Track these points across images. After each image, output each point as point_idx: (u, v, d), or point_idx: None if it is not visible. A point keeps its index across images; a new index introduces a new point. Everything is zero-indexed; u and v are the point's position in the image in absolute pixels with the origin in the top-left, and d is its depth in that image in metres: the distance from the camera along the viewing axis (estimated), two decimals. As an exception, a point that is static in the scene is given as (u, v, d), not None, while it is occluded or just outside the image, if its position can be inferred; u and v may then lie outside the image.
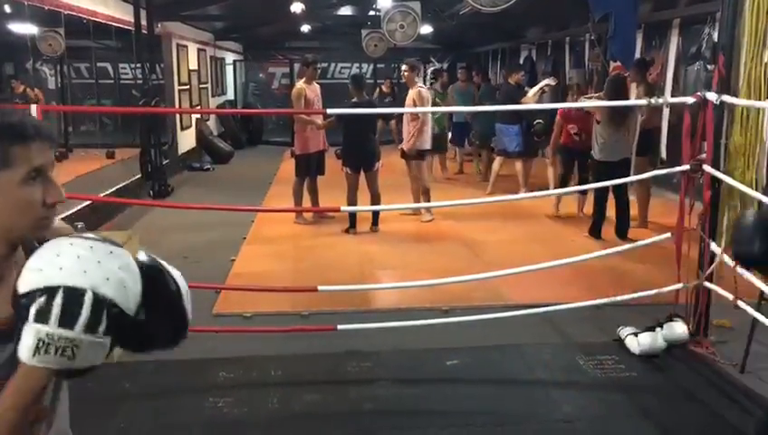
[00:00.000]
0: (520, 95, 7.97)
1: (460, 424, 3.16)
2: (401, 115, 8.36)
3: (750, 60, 3.57)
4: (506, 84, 9.12)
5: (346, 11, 13.25)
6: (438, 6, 10.78)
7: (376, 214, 6.89)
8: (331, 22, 14.73)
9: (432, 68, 18.09)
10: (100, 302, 0.94)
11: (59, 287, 0.93)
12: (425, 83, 9.35)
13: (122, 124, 11.38)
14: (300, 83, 7.16)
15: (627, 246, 4.82)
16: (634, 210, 6.51)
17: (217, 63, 14.67)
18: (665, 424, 3.19)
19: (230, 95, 16.61)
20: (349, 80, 7.51)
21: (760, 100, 3.53)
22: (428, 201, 7.12)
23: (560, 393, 3.50)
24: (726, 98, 3.57)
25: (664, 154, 8.58)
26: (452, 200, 7.25)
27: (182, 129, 11.29)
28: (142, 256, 1.08)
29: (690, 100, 3.76)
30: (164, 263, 1.12)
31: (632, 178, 5.85)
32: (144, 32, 8.66)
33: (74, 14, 7.44)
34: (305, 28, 14.36)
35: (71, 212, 5.61)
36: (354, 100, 6.95)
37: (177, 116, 10.81)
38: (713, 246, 3.77)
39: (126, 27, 8.71)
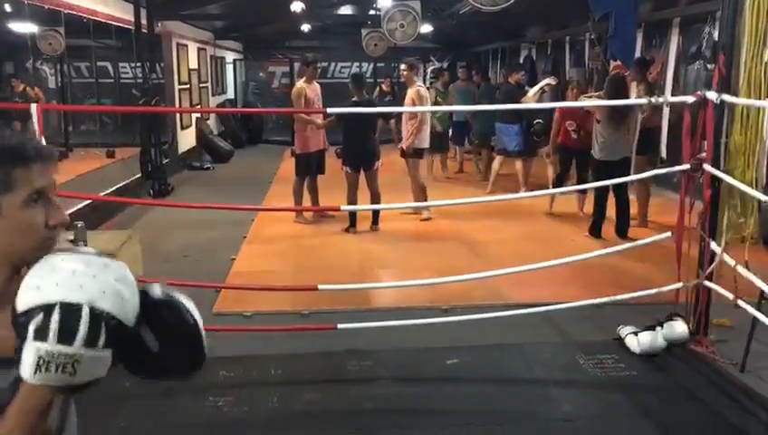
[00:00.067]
0: (520, 95, 7.97)
1: (460, 423, 3.16)
2: (401, 114, 8.36)
3: (750, 59, 3.57)
4: (506, 84, 9.13)
5: (346, 10, 13.25)
6: (438, 5, 10.78)
7: (376, 213, 6.90)
8: (332, 21, 14.73)
9: (432, 67, 18.12)
10: (97, 315, 0.94)
11: (55, 304, 0.93)
12: (424, 83, 9.36)
13: (122, 123, 11.38)
14: (300, 83, 7.16)
15: (627, 245, 4.82)
16: (634, 209, 6.51)
17: (217, 63, 14.67)
18: (665, 423, 3.19)
19: (230, 94, 16.61)
20: (349, 79, 7.51)
21: (760, 99, 3.53)
22: (425, 200, 7.14)
23: (560, 392, 3.50)
24: (726, 97, 3.57)
25: (664, 153, 8.57)
26: (452, 199, 7.26)
27: (182, 128, 11.29)
28: (157, 291, 1.08)
29: (690, 99, 3.75)
30: (179, 296, 1.12)
31: (632, 177, 5.85)
32: (144, 31, 8.66)
33: (74, 13, 7.44)
34: (305, 27, 14.36)
35: (71, 211, 5.61)
36: (354, 99, 6.95)
37: (178, 115, 10.81)
38: (713, 245, 3.77)
39: (126, 26, 8.71)
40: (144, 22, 8.61)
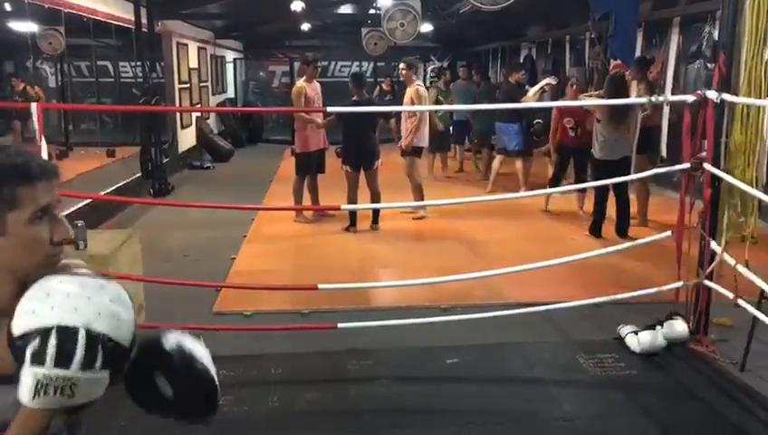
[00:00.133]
0: (520, 94, 7.97)
1: (460, 422, 3.16)
2: (401, 114, 8.36)
3: (750, 58, 3.57)
4: (506, 83, 9.12)
5: (346, 9, 13.25)
6: (439, 5, 10.77)
7: (376, 212, 6.90)
8: (332, 20, 14.73)
9: (432, 66, 18.11)
10: (93, 338, 0.95)
11: (52, 328, 0.93)
12: (425, 82, 9.37)
13: (122, 123, 11.38)
14: (300, 82, 7.16)
15: (627, 244, 4.82)
16: (634, 208, 6.51)
17: (218, 62, 14.66)
18: (665, 422, 3.19)
19: (230, 93, 16.60)
20: (349, 78, 7.51)
21: (760, 98, 3.53)
22: (421, 199, 7.15)
23: (560, 391, 3.50)
24: (727, 96, 3.57)
25: (664, 152, 8.57)
26: (452, 199, 7.25)
27: (182, 127, 11.28)
28: (171, 341, 1.11)
29: (690, 98, 3.75)
30: (191, 345, 1.14)
31: (632, 176, 5.85)
32: (144, 30, 8.66)
33: (74, 12, 7.43)
34: (305, 26, 14.35)
35: (71, 211, 5.61)
36: (354, 98, 6.95)
37: (178, 114, 10.80)
38: (713, 244, 3.77)
39: (126, 25, 8.70)
40: (144, 21, 8.61)
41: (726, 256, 3.65)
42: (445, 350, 3.90)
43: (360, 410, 3.33)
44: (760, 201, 3.63)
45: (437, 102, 9.40)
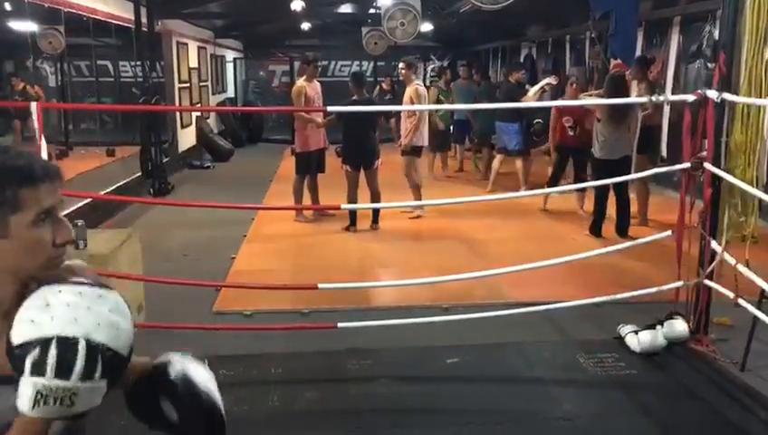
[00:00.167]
0: (520, 93, 7.97)
1: (460, 422, 3.16)
2: (400, 113, 8.36)
3: (751, 57, 3.57)
4: (507, 82, 9.12)
5: (346, 9, 13.25)
6: (439, 4, 10.77)
7: (376, 212, 6.89)
8: (332, 20, 14.72)
9: (432, 66, 18.09)
10: (93, 348, 0.95)
11: (52, 338, 0.94)
12: (425, 81, 9.36)
13: (122, 122, 11.37)
14: (300, 81, 7.16)
15: (627, 243, 4.82)
16: (634, 208, 6.51)
17: (218, 61, 14.65)
18: (665, 422, 3.19)
19: (230, 93, 16.59)
20: (349, 78, 7.51)
21: (761, 97, 3.53)
22: (419, 198, 7.16)
23: (560, 391, 3.50)
24: (727, 96, 3.56)
25: (664, 152, 8.57)
26: (452, 198, 7.25)
27: (182, 127, 11.28)
28: (177, 367, 1.14)
29: (691, 97, 3.75)
30: (197, 372, 1.17)
31: (633, 175, 5.85)
32: (144, 29, 8.65)
33: (74, 11, 7.43)
34: (305, 26, 14.35)
35: (71, 210, 5.61)
36: (354, 97, 6.94)
37: (178, 114, 10.80)
38: (713, 243, 3.77)
39: (126, 25, 8.70)
40: (144, 20, 8.61)
41: (727, 256, 3.64)
42: (445, 349, 3.90)
43: (360, 409, 3.33)
44: (760, 201, 3.63)
45: (438, 102, 9.40)
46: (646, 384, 3.56)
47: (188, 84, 11.44)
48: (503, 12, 7.05)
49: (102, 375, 0.96)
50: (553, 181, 7.33)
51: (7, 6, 7.92)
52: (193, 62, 11.91)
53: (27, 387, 0.94)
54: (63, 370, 0.93)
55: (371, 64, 17.45)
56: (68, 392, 0.94)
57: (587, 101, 6.93)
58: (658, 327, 3.83)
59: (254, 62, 19.19)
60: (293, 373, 3.66)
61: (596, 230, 6.31)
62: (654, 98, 4.31)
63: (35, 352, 0.93)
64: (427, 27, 11.49)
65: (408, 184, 7.36)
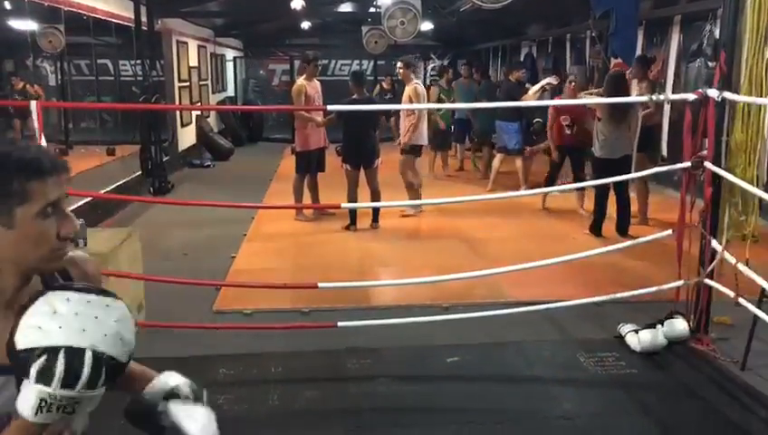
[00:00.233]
0: (520, 92, 7.97)
1: (460, 421, 3.16)
2: (400, 112, 8.36)
3: (751, 56, 3.56)
4: (507, 81, 9.12)
5: (346, 8, 13.24)
6: (439, 3, 10.76)
7: (376, 211, 6.89)
8: (332, 18, 14.71)
9: (432, 65, 18.07)
10: (98, 359, 0.97)
11: (60, 348, 0.95)
12: (425, 80, 9.35)
13: (122, 121, 11.37)
14: (300, 80, 7.16)
15: (627, 243, 4.82)
16: (634, 207, 6.50)
17: (218, 60, 14.65)
18: (665, 421, 3.19)
19: (230, 92, 16.58)
20: (349, 77, 7.50)
21: (761, 96, 3.52)
22: (413, 197, 7.17)
23: (560, 390, 3.50)
24: (728, 94, 3.56)
25: (665, 151, 8.57)
26: (452, 197, 7.26)
27: (182, 126, 11.27)
28: (170, 421, 1.16)
29: (691, 96, 3.75)
30: (187, 424, 1.18)
31: (633, 175, 5.85)
32: (144, 28, 8.65)
33: (74, 10, 7.43)
34: (306, 25, 14.34)
35: (71, 209, 5.59)
36: (354, 97, 6.94)
37: (178, 113, 10.80)
38: (714, 243, 3.76)
39: (126, 23, 8.70)
40: (144, 19, 8.60)
41: (727, 255, 3.64)
42: (445, 348, 3.90)
43: (361, 408, 3.33)
44: (761, 200, 3.62)
45: (440, 101, 9.39)
46: (646, 383, 3.56)
47: (188, 83, 11.44)
48: (503, 11, 7.04)
49: (103, 383, 0.98)
50: (550, 180, 7.33)
51: (7, 5, 7.91)
52: (193, 61, 11.90)
53: (32, 394, 0.95)
54: (70, 380, 0.94)
55: (371, 63, 17.43)
56: (71, 401, 0.96)
57: (587, 100, 6.92)
58: (659, 326, 3.83)
59: (254, 61, 19.18)
60: (293, 372, 3.66)
61: (596, 229, 6.31)
62: (654, 97, 4.31)
63: (42, 361, 0.94)
64: (427, 26, 11.48)
65: (405, 182, 7.36)
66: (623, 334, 3.93)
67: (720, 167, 3.68)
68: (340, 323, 3.83)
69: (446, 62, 16.62)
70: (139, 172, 8.71)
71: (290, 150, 8.86)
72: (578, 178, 7.06)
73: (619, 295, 4.04)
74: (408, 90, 7.30)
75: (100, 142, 9.57)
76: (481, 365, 3.80)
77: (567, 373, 3.66)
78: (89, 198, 6.00)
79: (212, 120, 13.28)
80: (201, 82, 12.55)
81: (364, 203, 6.92)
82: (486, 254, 5.88)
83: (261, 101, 17.93)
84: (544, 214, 7.42)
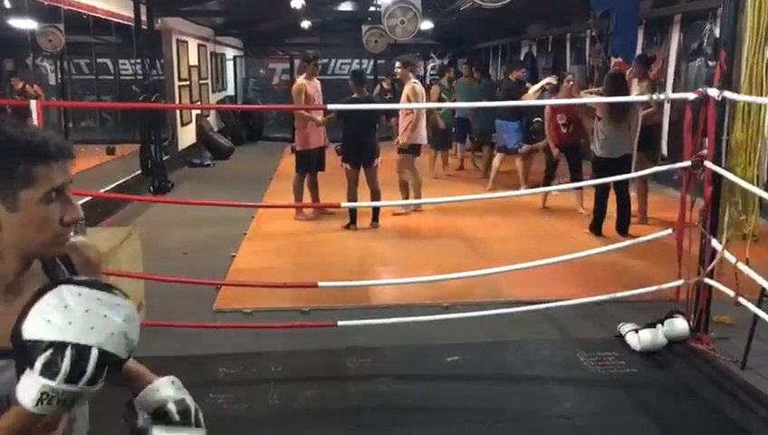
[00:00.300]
0: (520, 92, 7.96)
1: (460, 420, 3.16)
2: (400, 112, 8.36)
3: (752, 55, 3.56)
4: (507, 81, 9.11)
5: (346, 7, 13.22)
6: (439, 2, 10.75)
7: (376, 210, 6.89)
8: (332, 18, 14.70)
9: (432, 64, 18.06)
10: (103, 356, 0.97)
11: (67, 344, 0.95)
12: (425, 79, 9.34)
13: (122, 120, 11.36)
14: (300, 79, 7.16)
15: (627, 242, 4.81)
16: (634, 206, 6.50)
17: (218, 59, 14.64)
18: (665, 420, 3.19)
19: (230, 91, 16.58)
20: (349, 76, 7.50)
21: (761, 95, 3.52)
22: (406, 197, 7.17)
23: (560, 389, 3.50)
24: (728, 94, 3.56)
25: (665, 150, 8.57)
26: (453, 196, 7.26)
27: (182, 125, 11.27)
28: None
29: (692, 96, 3.75)
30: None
31: (633, 174, 5.84)
32: (144, 27, 8.65)
33: (74, 9, 7.43)
34: (305, 24, 14.33)
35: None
36: (354, 96, 6.94)
37: (178, 112, 10.79)
38: (714, 242, 3.76)
39: (126, 23, 8.69)
40: (144, 18, 8.60)
41: (727, 254, 3.64)
42: (445, 348, 3.90)
43: (361, 407, 3.33)
44: (761, 199, 3.62)
45: (441, 100, 9.38)
46: (646, 383, 3.56)
47: (188, 82, 11.44)
48: (503, 10, 7.03)
49: (104, 379, 0.99)
50: (548, 178, 7.33)
51: (7, 4, 7.91)
52: (193, 60, 11.90)
53: (34, 386, 0.95)
54: (75, 376, 0.95)
55: (371, 62, 17.42)
56: (73, 395, 0.96)
57: (586, 99, 6.92)
58: (659, 326, 3.83)
59: (254, 60, 19.18)
60: (293, 371, 3.66)
61: (596, 229, 6.31)
62: (655, 96, 4.31)
63: (48, 354, 0.94)
64: (427, 25, 11.48)
65: (410, 183, 7.35)
66: (623, 334, 3.93)
67: (720, 166, 3.68)
68: (340, 323, 3.83)
69: (446, 62, 16.61)
70: (139, 171, 8.70)
71: (290, 149, 8.86)
72: (575, 178, 7.07)
73: (619, 295, 4.04)
74: (406, 89, 7.30)
75: (99, 141, 9.56)
76: (481, 364, 3.80)
77: (567, 373, 3.67)
78: (89, 197, 5.98)
79: (212, 119, 13.28)
80: (201, 81, 12.55)
81: (364, 202, 6.92)
82: (486, 253, 5.88)
83: (261, 100, 17.93)
84: (544, 213, 7.42)
